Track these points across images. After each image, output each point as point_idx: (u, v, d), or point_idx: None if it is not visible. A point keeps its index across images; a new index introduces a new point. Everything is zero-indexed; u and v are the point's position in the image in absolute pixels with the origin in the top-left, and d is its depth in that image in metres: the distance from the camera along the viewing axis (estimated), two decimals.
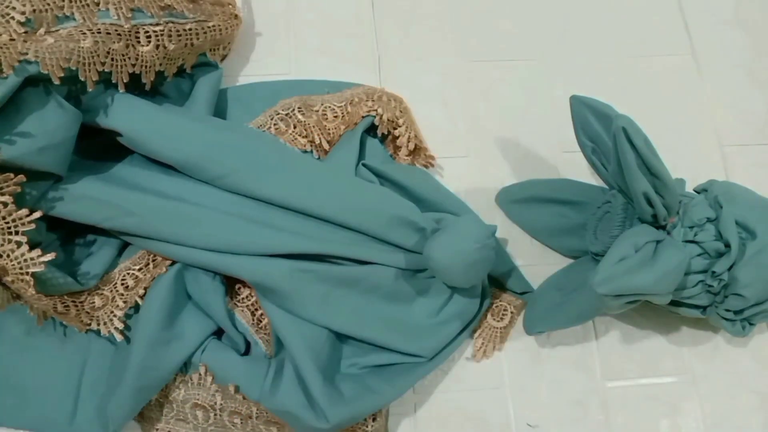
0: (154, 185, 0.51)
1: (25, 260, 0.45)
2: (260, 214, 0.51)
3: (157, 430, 0.51)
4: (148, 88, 0.53)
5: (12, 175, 0.45)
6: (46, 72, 0.45)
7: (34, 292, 0.46)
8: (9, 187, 0.45)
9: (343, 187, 0.53)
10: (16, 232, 0.45)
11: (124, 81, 0.50)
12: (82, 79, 0.47)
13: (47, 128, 0.47)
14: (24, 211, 0.45)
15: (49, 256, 0.46)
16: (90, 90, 0.48)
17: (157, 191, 0.51)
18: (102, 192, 0.49)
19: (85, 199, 0.49)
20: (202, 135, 0.51)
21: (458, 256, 0.50)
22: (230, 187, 0.51)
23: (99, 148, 0.53)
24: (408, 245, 0.53)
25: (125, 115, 0.51)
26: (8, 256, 0.45)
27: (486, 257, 0.51)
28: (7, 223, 0.45)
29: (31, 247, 0.45)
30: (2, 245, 0.45)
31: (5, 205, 0.45)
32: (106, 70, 0.49)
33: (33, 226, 0.46)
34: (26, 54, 0.45)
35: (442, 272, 0.51)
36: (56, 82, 0.46)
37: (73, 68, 0.46)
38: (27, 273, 0.45)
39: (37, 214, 0.46)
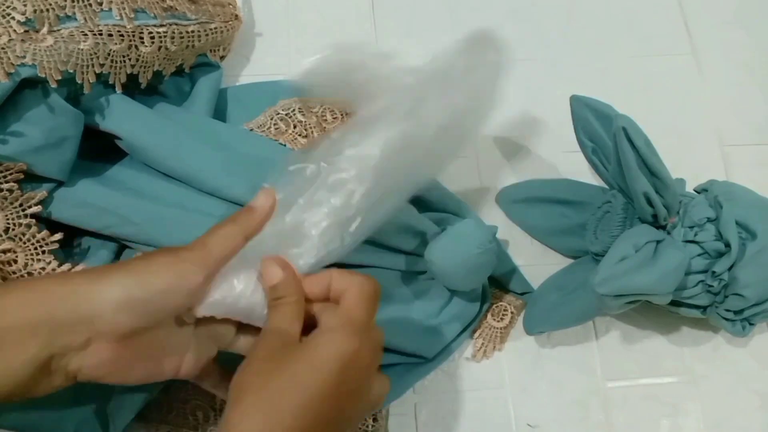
0: (155, 191, 0.51)
1: (37, 241, 0.46)
2: None
3: (157, 430, 0.51)
4: (144, 86, 0.53)
5: (12, 165, 0.45)
6: (43, 75, 0.45)
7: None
8: (12, 175, 0.45)
9: None
10: (25, 216, 0.46)
11: (122, 82, 0.50)
12: (79, 81, 0.47)
13: (44, 128, 0.47)
14: (31, 194, 0.46)
15: (58, 236, 0.46)
16: (87, 92, 0.48)
17: (156, 197, 0.50)
18: (103, 200, 0.49)
19: (86, 206, 0.49)
20: (199, 152, 0.51)
21: (460, 261, 0.50)
22: (229, 198, 0.51)
23: (102, 148, 0.53)
24: (408, 249, 0.53)
25: (124, 121, 0.51)
26: (20, 239, 0.46)
27: (487, 262, 0.51)
28: (15, 207, 0.46)
29: None
30: (13, 229, 0.45)
31: (11, 191, 0.46)
32: (104, 72, 0.49)
33: (39, 208, 0.46)
34: (24, 57, 0.45)
35: (442, 276, 0.51)
36: (54, 85, 0.46)
37: (71, 71, 0.46)
38: (42, 252, 0.46)
39: (43, 195, 0.47)
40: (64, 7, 0.47)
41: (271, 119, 0.58)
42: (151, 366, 0.37)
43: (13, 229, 0.46)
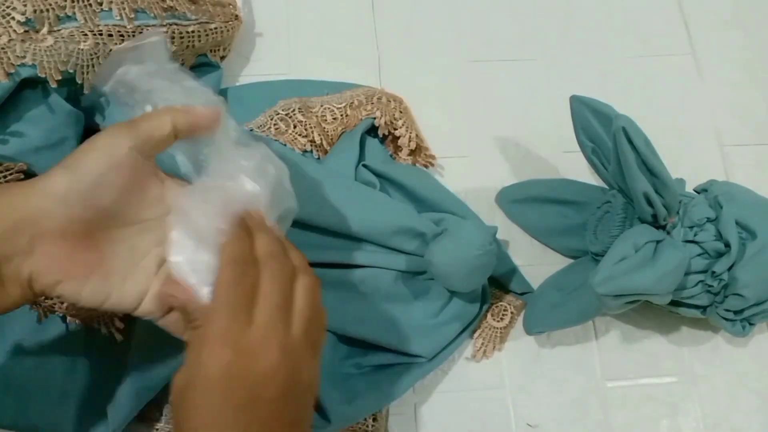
0: None
1: None
2: None
3: (157, 430, 0.51)
4: None
5: (12, 165, 0.45)
6: (43, 75, 0.45)
7: None
8: (12, 175, 0.45)
9: (342, 200, 0.52)
10: None
11: None
12: (79, 81, 0.47)
13: (44, 128, 0.47)
14: None
15: None
16: (87, 92, 0.48)
17: None
18: None
19: None
20: None
21: (460, 262, 0.50)
22: None
23: None
24: (408, 249, 0.53)
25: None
26: None
27: (487, 263, 0.51)
28: None
29: None
30: None
31: None
32: None
33: None
34: (24, 57, 0.45)
35: (443, 277, 0.51)
36: (54, 85, 0.46)
37: (71, 71, 0.46)
38: None
39: None
40: (64, 7, 0.47)
41: (271, 119, 0.58)
42: (108, 283, 0.36)
43: None
